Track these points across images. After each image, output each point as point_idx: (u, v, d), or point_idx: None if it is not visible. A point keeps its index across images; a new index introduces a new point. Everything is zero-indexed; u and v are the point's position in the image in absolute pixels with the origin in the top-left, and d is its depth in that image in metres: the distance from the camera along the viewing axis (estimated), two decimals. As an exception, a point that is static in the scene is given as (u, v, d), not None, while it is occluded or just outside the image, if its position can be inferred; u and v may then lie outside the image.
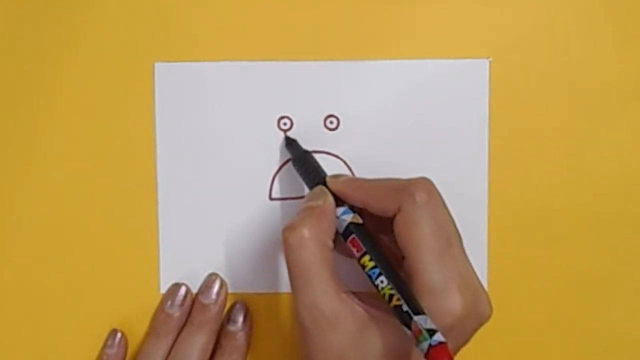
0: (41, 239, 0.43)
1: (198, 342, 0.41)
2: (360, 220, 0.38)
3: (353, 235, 0.37)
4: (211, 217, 0.43)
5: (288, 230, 0.36)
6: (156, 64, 0.42)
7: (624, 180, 0.43)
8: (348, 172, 0.43)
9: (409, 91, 0.42)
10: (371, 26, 0.42)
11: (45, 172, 0.43)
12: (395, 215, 0.36)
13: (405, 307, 0.34)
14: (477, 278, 0.36)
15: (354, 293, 0.36)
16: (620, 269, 0.43)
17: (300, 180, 0.42)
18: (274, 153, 0.43)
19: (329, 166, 0.42)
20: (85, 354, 0.43)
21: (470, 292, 0.35)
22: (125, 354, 0.43)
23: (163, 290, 0.43)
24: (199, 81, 0.42)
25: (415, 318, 0.33)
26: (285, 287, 0.43)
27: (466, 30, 0.42)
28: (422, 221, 0.35)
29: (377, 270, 0.36)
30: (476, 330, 0.36)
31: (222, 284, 0.42)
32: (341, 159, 0.43)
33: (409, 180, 0.36)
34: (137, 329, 0.43)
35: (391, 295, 0.35)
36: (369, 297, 0.36)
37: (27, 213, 0.43)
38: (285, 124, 0.43)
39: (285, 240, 0.36)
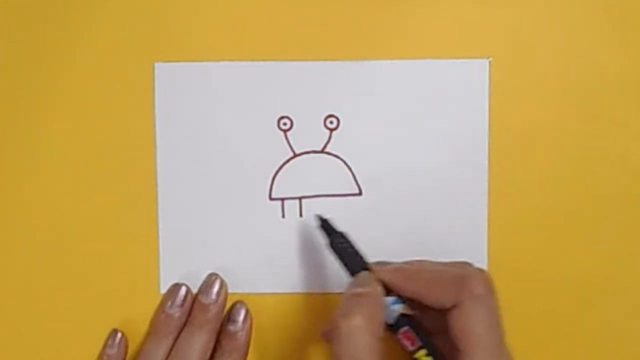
0: (41, 239, 0.43)
1: (198, 342, 0.41)
2: (411, 312, 0.37)
3: (406, 328, 0.36)
4: (211, 217, 0.43)
5: (341, 317, 0.35)
6: (156, 64, 0.42)
7: (624, 180, 0.43)
8: (348, 173, 0.43)
9: (409, 91, 0.42)
10: (371, 26, 0.42)
11: (45, 172, 0.43)
12: (450, 308, 0.35)
13: None
14: None
15: None
16: (620, 269, 0.43)
17: (301, 179, 0.42)
18: (274, 153, 0.43)
19: (329, 166, 0.42)
20: (86, 354, 0.43)
21: None
22: (125, 354, 0.43)
23: (163, 290, 0.43)
24: (199, 81, 0.42)
25: None
26: (285, 287, 0.43)
27: (466, 30, 0.42)
28: (481, 316, 0.35)
29: None
30: None
31: (222, 284, 0.42)
32: (341, 159, 0.43)
33: (466, 274, 0.36)
34: (137, 329, 0.43)
35: None
36: None
37: (27, 213, 0.43)
38: (285, 124, 0.43)
39: (337, 327, 0.34)
